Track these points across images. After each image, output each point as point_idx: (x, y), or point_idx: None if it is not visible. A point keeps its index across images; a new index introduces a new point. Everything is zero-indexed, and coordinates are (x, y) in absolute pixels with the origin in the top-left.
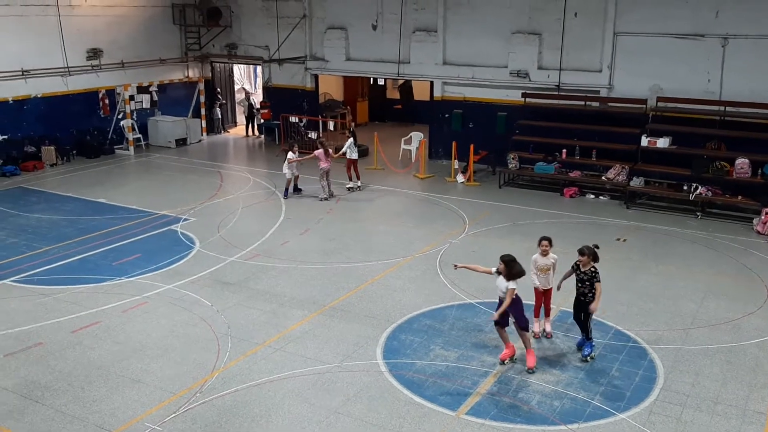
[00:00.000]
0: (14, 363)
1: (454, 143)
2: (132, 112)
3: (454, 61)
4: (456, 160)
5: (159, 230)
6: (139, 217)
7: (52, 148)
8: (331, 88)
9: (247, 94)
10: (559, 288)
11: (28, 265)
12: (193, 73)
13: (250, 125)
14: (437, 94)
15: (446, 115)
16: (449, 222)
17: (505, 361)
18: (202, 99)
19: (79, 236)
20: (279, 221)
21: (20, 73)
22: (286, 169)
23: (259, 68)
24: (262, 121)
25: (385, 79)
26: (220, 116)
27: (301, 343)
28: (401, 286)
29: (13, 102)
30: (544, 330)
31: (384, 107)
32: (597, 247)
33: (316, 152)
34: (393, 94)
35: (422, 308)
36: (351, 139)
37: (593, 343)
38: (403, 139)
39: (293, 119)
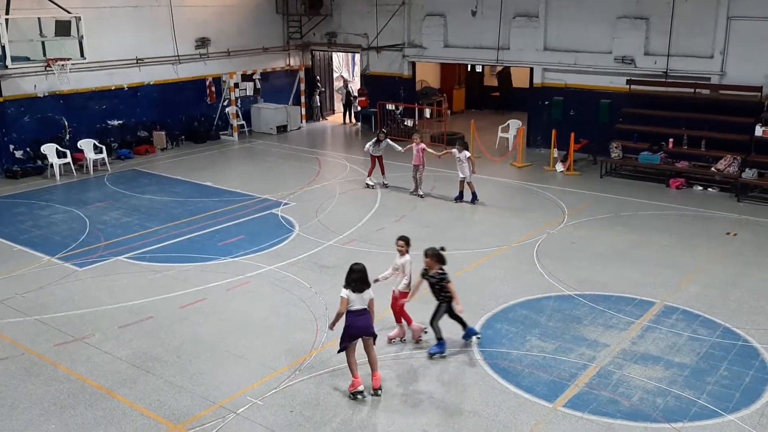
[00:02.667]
0: (128, 334)
1: (553, 131)
2: (236, 99)
3: (556, 47)
4: (555, 149)
5: (261, 213)
6: (243, 200)
7: (163, 133)
8: (428, 75)
9: (345, 82)
10: (407, 300)
11: (140, 243)
12: (294, 61)
13: (347, 113)
14: (537, 80)
15: (546, 103)
16: (547, 212)
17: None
18: (302, 87)
19: (187, 217)
20: (374, 208)
21: (135, 61)
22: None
23: (357, 56)
24: (359, 108)
25: (483, 66)
26: (318, 104)
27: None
28: (497, 276)
29: (128, 89)
30: (402, 337)
31: (481, 94)
32: (443, 249)
33: (423, 145)
34: (491, 81)
35: (518, 298)
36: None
37: (444, 344)
38: (500, 127)
39: (390, 107)
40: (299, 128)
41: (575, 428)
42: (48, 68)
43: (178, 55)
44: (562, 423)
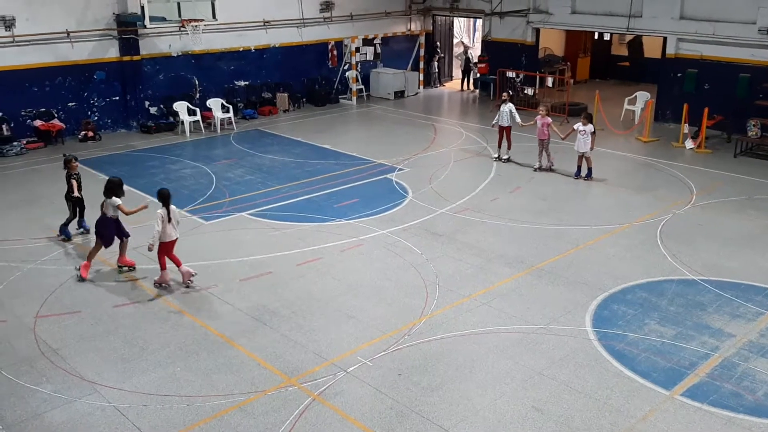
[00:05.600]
0: (248, 288)
1: (685, 105)
2: (357, 63)
3: (693, 16)
4: (686, 124)
5: (376, 178)
6: (359, 164)
7: (286, 95)
8: (551, 42)
9: (465, 48)
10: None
11: (262, 200)
12: (414, 26)
13: (465, 79)
14: (670, 51)
15: (678, 75)
16: (673, 190)
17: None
18: (422, 52)
19: (305, 178)
20: (489, 177)
21: (262, 23)
22: (580, 148)
23: (479, 22)
24: (479, 75)
25: (612, 34)
26: (437, 70)
27: (507, 300)
28: (616, 254)
29: (254, 51)
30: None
31: (608, 64)
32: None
33: (549, 119)
34: (618, 50)
35: (638, 279)
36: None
37: None
38: (627, 99)
39: (510, 74)
40: (416, 94)
41: (693, 419)
42: (182, 28)
43: (303, 19)
44: (678, 412)
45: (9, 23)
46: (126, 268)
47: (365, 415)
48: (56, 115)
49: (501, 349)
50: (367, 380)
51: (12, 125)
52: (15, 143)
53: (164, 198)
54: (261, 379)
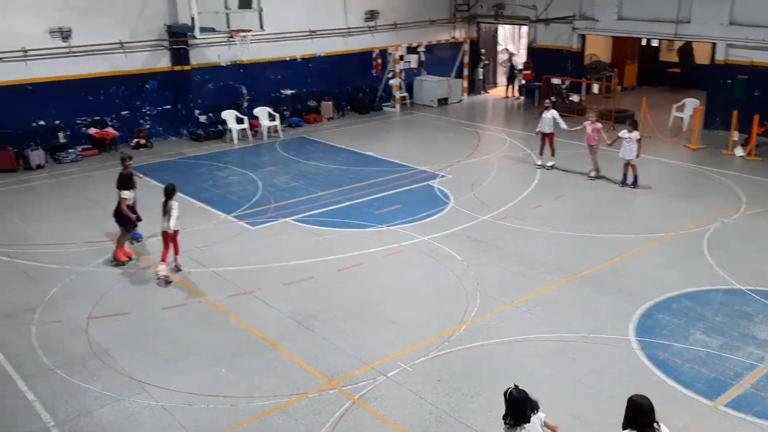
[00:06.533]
0: (291, 291)
1: (734, 112)
2: (401, 71)
3: (743, 21)
4: (736, 132)
5: (417, 184)
6: (401, 170)
7: (330, 103)
8: (598, 48)
9: (510, 55)
10: None
11: (306, 206)
12: (459, 33)
13: (510, 86)
14: (719, 57)
15: (728, 81)
16: (721, 199)
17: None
18: (466, 59)
19: (348, 184)
20: (533, 184)
21: (308, 33)
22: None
23: (524, 28)
24: (523, 82)
25: (659, 40)
26: (481, 77)
27: (548, 308)
28: (661, 263)
29: (300, 60)
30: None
31: (655, 70)
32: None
33: (599, 124)
34: (666, 56)
35: (683, 289)
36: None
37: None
38: (675, 106)
39: (555, 81)
40: (460, 101)
41: (736, 429)
42: (231, 39)
43: (348, 28)
44: (721, 423)
45: (66, 34)
46: (115, 262)
47: (404, 420)
48: (110, 123)
49: (541, 357)
50: (407, 385)
51: (68, 133)
52: (71, 150)
53: (168, 192)
54: (302, 381)
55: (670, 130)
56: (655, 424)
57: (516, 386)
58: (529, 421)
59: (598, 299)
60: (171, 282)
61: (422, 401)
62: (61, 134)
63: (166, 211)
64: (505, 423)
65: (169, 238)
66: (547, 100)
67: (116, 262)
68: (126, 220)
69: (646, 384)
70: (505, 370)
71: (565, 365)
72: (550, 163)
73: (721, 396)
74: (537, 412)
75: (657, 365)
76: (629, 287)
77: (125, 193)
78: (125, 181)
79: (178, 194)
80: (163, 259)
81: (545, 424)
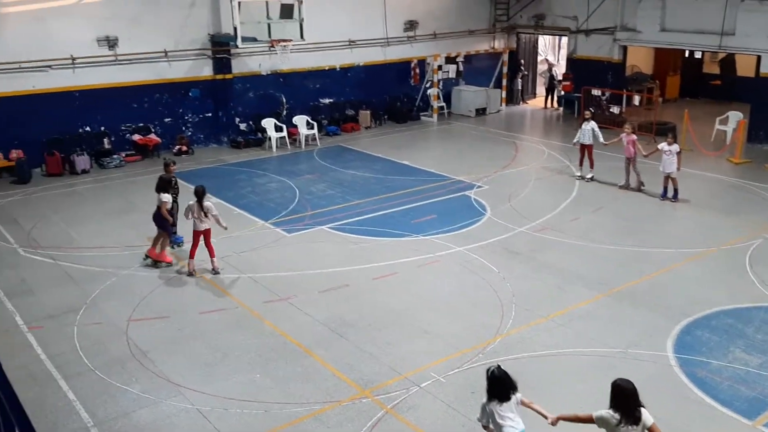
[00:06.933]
0: (326, 299)
1: None
2: (438, 81)
3: None
4: None
5: (454, 194)
6: (437, 180)
7: (368, 112)
8: (639, 60)
9: (550, 66)
10: None
11: (342, 215)
12: (498, 44)
13: (549, 97)
14: (765, 70)
15: None
16: (765, 214)
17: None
18: (505, 70)
19: (384, 193)
20: (571, 196)
21: (347, 43)
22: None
23: (564, 39)
24: (563, 93)
25: (703, 52)
26: (520, 87)
27: (585, 322)
28: (701, 279)
29: (339, 69)
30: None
31: (698, 82)
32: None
33: (634, 136)
34: (710, 68)
35: (724, 305)
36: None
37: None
38: (718, 119)
39: (595, 92)
40: (498, 111)
41: None
42: (271, 48)
43: (387, 38)
44: None
45: (112, 43)
46: (150, 260)
47: (437, 431)
48: (153, 130)
49: (577, 372)
50: (440, 396)
51: (113, 139)
52: (115, 156)
53: (200, 194)
54: (336, 389)
55: (712, 144)
56: (637, 408)
57: (498, 366)
58: (509, 400)
59: (636, 314)
60: (194, 276)
61: (455, 413)
62: (106, 140)
63: (202, 213)
64: (486, 400)
65: (199, 237)
66: (587, 111)
67: (150, 259)
68: (165, 222)
69: (685, 402)
70: (539, 384)
71: (601, 381)
72: (589, 175)
73: (761, 415)
74: (515, 392)
75: (695, 382)
76: (668, 302)
77: (164, 196)
78: (164, 185)
79: (219, 200)
80: (192, 255)
81: (521, 402)
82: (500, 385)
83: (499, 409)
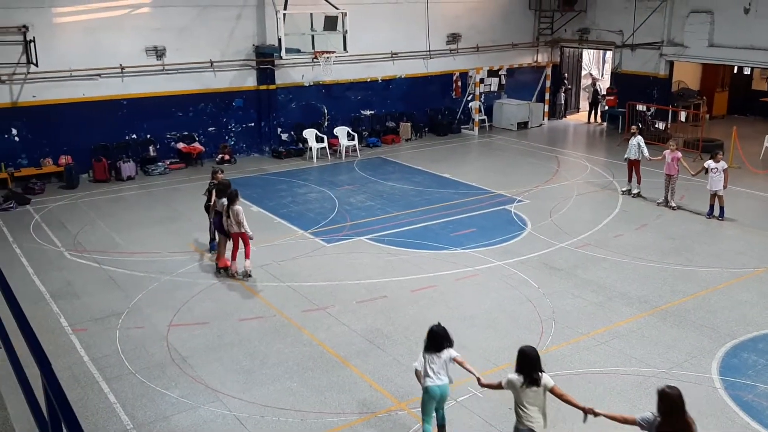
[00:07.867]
0: (364, 310)
1: None
2: (480, 94)
3: None
4: None
5: (494, 208)
6: (478, 194)
7: (409, 124)
8: (686, 76)
9: (594, 80)
10: None
11: (380, 226)
12: (541, 57)
13: (593, 112)
14: None
15: None
16: None
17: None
18: (548, 84)
19: (424, 206)
20: (614, 213)
21: (390, 55)
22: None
23: (608, 53)
24: (607, 108)
25: (752, 69)
26: (563, 101)
27: (627, 341)
28: (750, 300)
29: (381, 81)
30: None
31: (747, 99)
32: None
33: (678, 153)
34: (760, 84)
35: None
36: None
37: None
38: (767, 137)
39: (640, 107)
40: (540, 125)
41: None
42: (315, 60)
43: (429, 50)
44: None
45: (160, 53)
46: (223, 270)
47: None
48: (197, 139)
49: (618, 392)
50: (477, 411)
51: (158, 147)
52: (159, 163)
53: (230, 197)
54: (372, 400)
55: (761, 162)
56: (538, 373)
57: (438, 323)
58: (441, 351)
59: (680, 334)
60: (234, 277)
61: (491, 428)
62: (151, 148)
63: (230, 215)
64: (423, 350)
65: (238, 239)
66: (633, 126)
67: (222, 270)
68: (223, 228)
69: (730, 426)
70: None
71: (644, 401)
72: (636, 191)
73: None
74: (450, 347)
75: (741, 406)
76: (713, 323)
77: (225, 202)
78: (222, 190)
79: (260, 209)
80: (233, 257)
81: (454, 360)
82: (434, 339)
83: (430, 361)
